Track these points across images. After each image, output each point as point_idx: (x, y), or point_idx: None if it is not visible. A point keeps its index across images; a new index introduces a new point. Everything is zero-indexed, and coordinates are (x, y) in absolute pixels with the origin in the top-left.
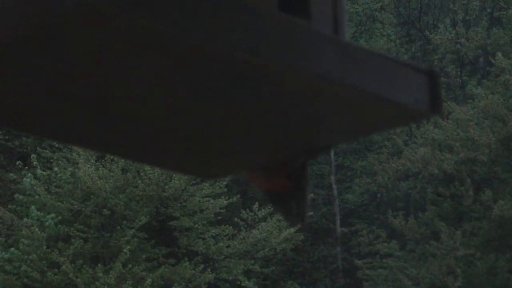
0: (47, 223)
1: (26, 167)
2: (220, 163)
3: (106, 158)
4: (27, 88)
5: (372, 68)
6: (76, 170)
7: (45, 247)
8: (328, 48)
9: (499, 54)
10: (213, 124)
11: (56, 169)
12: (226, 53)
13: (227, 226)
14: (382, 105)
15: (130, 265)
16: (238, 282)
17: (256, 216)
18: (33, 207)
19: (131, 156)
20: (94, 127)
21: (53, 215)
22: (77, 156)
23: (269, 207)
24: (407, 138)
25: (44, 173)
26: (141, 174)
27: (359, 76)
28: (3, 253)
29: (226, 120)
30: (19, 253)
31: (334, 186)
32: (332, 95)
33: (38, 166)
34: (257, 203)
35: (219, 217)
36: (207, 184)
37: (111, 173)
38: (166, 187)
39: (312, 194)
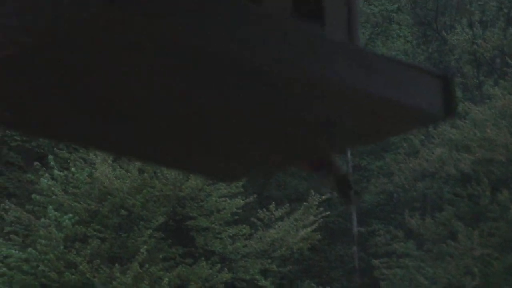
0: (64, 223)
1: (44, 168)
2: (240, 166)
3: (123, 159)
4: (38, 92)
5: (386, 73)
6: (93, 170)
7: (62, 247)
8: (342, 55)
9: None
10: (233, 130)
11: (73, 169)
12: (240, 59)
13: (244, 225)
14: (397, 109)
15: (147, 265)
16: (255, 282)
17: (272, 216)
18: (50, 207)
19: (149, 159)
20: (112, 131)
21: (70, 215)
22: (94, 156)
23: (285, 206)
24: (424, 138)
25: (61, 173)
26: (158, 174)
27: (373, 82)
28: (21, 253)
29: (243, 125)
30: (37, 253)
31: None
32: (346, 101)
33: (55, 167)
34: (273, 202)
35: (236, 217)
36: (224, 184)
37: (128, 173)
38: (183, 187)
39: (329, 194)
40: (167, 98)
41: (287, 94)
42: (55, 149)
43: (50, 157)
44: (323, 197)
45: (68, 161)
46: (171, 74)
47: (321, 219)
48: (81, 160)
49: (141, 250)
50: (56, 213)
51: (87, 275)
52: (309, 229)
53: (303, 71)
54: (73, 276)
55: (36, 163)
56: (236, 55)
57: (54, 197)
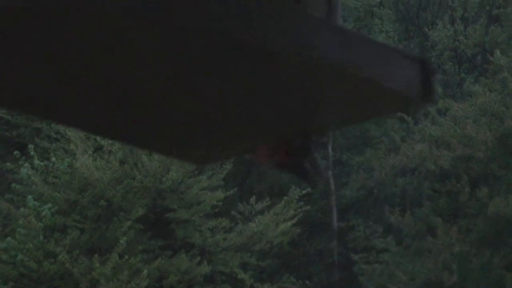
0: (43, 213)
1: (24, 157)
2: (217, 147)
3: (103, 150)
4: (32, 70)
5: (366, 54)
6: (74, 161)
7: (41, 237)
8: (322, 33)
9: (497, 52)
10: (211, 109)
11: (53, 159)
12: (222, 34)
13: (224, 219)
14: (375, 90)
15: (126, 256)
16: (235, 275)
17: (253, 209)
18: (30, 197)
19: (132, 141)
20: (92, 109)
21: (50, 205)
22: (74, 147)
23: (266, 200)
24: (405, 134)
25: (42, 163)
26: (139, 166)
27: (353, 61)
28: (0, 242)
29: (224, 105)
30: (16, 242)
31: (331, 181)
32: (326, 79)
33: (36, 156)
34: (254, 196)
35: (216, 210)
36: (205, 177)
37: (109, 164)
38: (164, 179)
39: (309, 188)
40: (157, 77)
41: (265, 72)
42: (35, 138)
43: (30, 146)
44: (303, 191)
45: (49, 151)
46: (161, 53)
47: (301, 214)
48: (61, 150)
49: (121, 241)
50: (35, 202)
51: (66, 265)
52: (289, 223)
53: (282, 48)
54: (52, 266)
55: (16, 152)
56: (217, 29)
57: (34, 186)
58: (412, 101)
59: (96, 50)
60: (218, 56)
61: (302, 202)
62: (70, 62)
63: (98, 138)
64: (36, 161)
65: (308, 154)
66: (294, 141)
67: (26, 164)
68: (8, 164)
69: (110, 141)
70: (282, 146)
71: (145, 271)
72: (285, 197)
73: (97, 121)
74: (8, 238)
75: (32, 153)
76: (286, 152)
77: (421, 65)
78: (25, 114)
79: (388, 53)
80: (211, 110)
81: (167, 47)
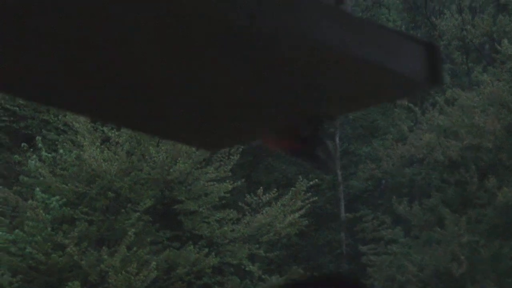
0: (51, 205)
1: (31, 149)
2: (226, 133)
3: (111, 141)
4: (33, 55)
5: (373, 38)
6: (81, 152)
7: (49, 229)
8: (328, 17)
9: (505, 41)
10: (219, 96)
11: (61, 151)
12: (227, 19)
13: (232, 210)
14: (382, 74)
15: (134, 248)
16: (243, 266)
17: (260, 201)
18: (37, 189)
19: (141, 127)
20: (102, 97)
21: (57, 197)
22: (82, 138)
23: (273, 191)
24: (412, 124)
25: (49, 155)
26: (146, 157)
27: (359, 46)
28: (8, 234)
29: (230, 91)
30: (24, 234)
31: (339, 172)
32: (332, 64)
33: (43, 148)
34: (261, 187)
35: (224, 201)
36: (212, 168)
37: (116, 156)
38: (171, 170)
39: (316, 180)
40: (163, 64)
41: (273, 57)
42: (43, 130)
43: (38, 138)
44: (311, 182)
45: (56, 142)
46: (165, 40)
47: (309, 205)
48: (69, 142)
49: (129, 233)
50: (43, 194)
51: (75, 257)
52: (296, 215)
53: (290, 33)
54: (61, 258)
55: (23, 144)
56: (222, 17)
57: (41, 178)
58: (418, 84)
59: (99, 40)
60: (224, 44)
61: (310, 193)
62: (73, 50)
63: (105, 130)
64: (44, 153)
65: (319, 141)
66: (303, 127)
67: (34, 156)
68: (16, 156)
69: (117, 133)
70: (291, 133)
71: (154, 263)
72: (293, 188)
73: (105, 108)
74: (16, 231)
75: (39, 145)
76: (296, 139)
77: (428, 48)
78: (33, 101)
79: (394, 38)
80: (218, 97)
81: (171, 34)
